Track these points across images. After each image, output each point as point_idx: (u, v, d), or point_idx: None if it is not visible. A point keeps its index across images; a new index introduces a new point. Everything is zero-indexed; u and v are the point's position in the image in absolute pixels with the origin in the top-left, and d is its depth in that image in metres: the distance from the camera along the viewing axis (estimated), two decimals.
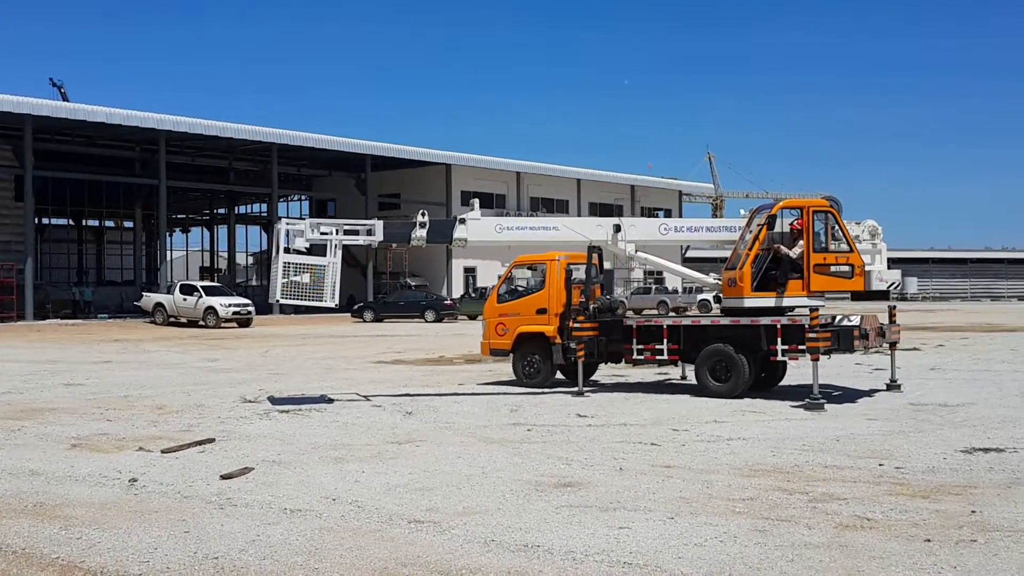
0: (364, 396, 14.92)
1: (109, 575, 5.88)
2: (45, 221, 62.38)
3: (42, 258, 56.50)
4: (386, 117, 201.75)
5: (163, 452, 9.98)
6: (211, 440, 10.69)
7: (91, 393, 15.64)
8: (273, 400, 14.50)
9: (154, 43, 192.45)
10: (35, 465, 9.35)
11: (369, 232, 15.19)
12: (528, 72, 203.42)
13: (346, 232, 15.10)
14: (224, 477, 8.65)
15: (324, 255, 14.71)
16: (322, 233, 14.84)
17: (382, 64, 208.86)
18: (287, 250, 14.59)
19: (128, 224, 65.75)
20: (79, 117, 44.43)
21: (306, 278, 14.53)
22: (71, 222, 66.32)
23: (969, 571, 5.76)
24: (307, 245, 14.77)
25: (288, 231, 14.79)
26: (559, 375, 16.22)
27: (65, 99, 57.15)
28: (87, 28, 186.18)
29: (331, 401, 14.36)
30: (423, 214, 15.48)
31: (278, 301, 14.75)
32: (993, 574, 5.71)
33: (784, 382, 15.52)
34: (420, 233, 15.23)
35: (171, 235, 66.49)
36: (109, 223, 69.30)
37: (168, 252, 55.85)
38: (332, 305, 14.98)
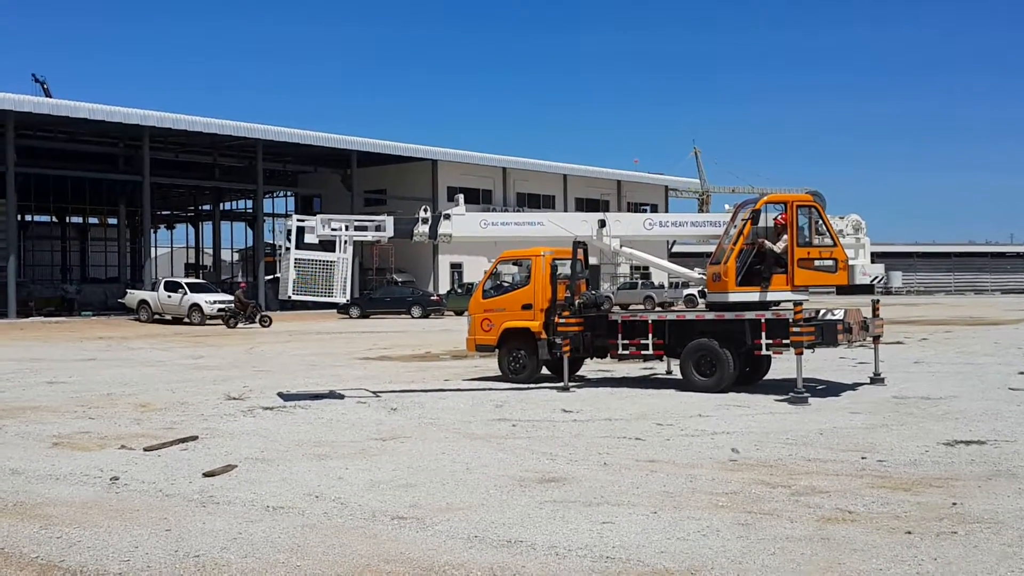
0: (374, 392, 14.88)
1: (89, 574, 5.85)
2: (28, 218, 61.95)
3: (25, 255, 56.11)
4: (372, 113, 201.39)
5: (145, 450, 9.93)
6: (194, 438, 10.65)
7: (74, 391, 15.55)
8: (284, 396, 14.46)
9: (138, 39, 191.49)
10: (15, 464, 9.29)
11: (379, 228, 15.19)
12: (515, 69, 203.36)
13: (356, 228, 15.10)
14: (207, 475, 8.61)
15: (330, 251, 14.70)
16: (332, 229, 14.82)
17: (368, 61, 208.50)
18: (299, 246, 14.61)
19: (112, 221, 65.30)
20: (62, 113, 44.11)
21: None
22: (54, 219, 65.89)
23: (949, 563, 5.79)
24: (316, 241, 14.79)
25: (299, 227, 14.77)
26: (545, 370, 16.23)
27: (48, 95, 56.80)
28: (70, 23, 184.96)
29: (341, 397, 14.35)
30: (425, 210, 15.50)
31: (290, 297, 14.71)
32: (973, 566, 5.73)
33: (768, 376, 15.57)
34: (423, 229, 15.24)
35: (155, 232, 66.16)
36: (93, 220, 68.78)
37: (153, 249, 55.58)
38: (343, 301, 15.23)
